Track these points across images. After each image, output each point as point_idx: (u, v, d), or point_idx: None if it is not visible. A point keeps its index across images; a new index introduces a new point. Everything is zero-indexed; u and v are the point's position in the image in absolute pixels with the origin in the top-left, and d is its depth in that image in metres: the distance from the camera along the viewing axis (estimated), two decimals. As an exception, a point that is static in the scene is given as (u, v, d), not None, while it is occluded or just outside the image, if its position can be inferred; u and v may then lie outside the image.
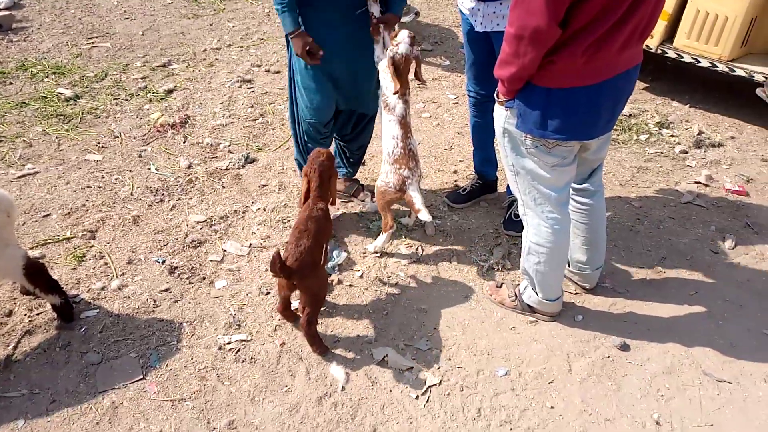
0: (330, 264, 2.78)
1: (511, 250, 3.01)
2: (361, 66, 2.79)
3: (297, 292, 2.39)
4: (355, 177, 3.35)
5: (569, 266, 2.70)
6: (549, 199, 2.27)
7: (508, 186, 3.28)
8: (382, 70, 2.70)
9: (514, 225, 3.10)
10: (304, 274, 2.26)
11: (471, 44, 2.92)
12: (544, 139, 2.09)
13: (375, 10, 2.64)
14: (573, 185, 2.44)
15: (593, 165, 2.42)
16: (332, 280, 2.75)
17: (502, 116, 2.18)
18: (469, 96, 3.15)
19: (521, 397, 2.27)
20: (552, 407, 2.23)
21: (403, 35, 2.66)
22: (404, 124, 2.68)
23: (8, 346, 2.35)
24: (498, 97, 2.16)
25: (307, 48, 2.57)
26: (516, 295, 2.62)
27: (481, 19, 2.72)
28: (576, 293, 2.75)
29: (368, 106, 2.99)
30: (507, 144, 2.22)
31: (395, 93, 2.63)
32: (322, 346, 2.38)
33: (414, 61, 2.69)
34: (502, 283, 2.73)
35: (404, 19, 5.03)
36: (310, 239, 2.28)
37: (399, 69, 2.63)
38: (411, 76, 2.76)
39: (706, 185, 3.60)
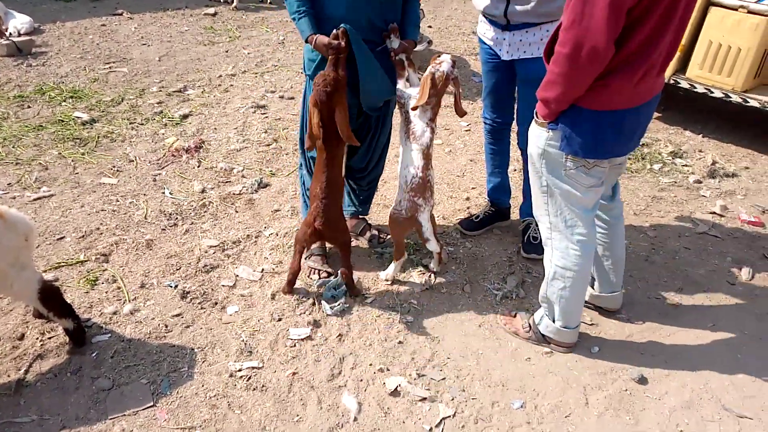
0: (329, 309, 2.72)
1: (525, 278, 2.99)
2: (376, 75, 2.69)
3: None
4: (363, 216, 3.30)
5: (594, 290, 2.70)
6: (582, 220, 2.28)
7: (521, 208, 3.28)
8: (409, 98, 2.69)
9: (535, 248, 3.11)
10: (334, 232, 2.67)
11: (490, 73, 2.94)
12: (585, 160, 2.12)
13: (395, 44, 2.65)
14: (603, 204, 2.47)
15: (617, 177, 2.47)
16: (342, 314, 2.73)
17: (542, 137, 2.17)
18: (485, 123, 3.16)
19: (537, 431, 2.22)
20: (569, 442, 2.19)
21: (446, 57, 2.66)
22: (427, 154, 2.68)
23: (19, 370, 2.34)
24: (538, 118, 2.17)
25: (331, 44, 2.48)
26: (530, 326, 2.59)
27: (507, 47, 2.75)
28: (592, 324, 2.71)
29: (380, 98, 2.81)
30: (544, 166, 2.22)
31: (414, 108, 2.61)
32: (357, 289, 2.80)
33: (453, 84, 2.66)
34: (516, 313, 2.70)
35: (417, 48, 5.07)
36: (329, 198, 2.60)
37: (436, 87, 2.62)
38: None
39: (722, 215, 3.57)
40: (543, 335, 2.54)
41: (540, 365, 2.50)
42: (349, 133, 2.55)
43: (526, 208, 3.23)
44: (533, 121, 2.22)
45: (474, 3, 2.85)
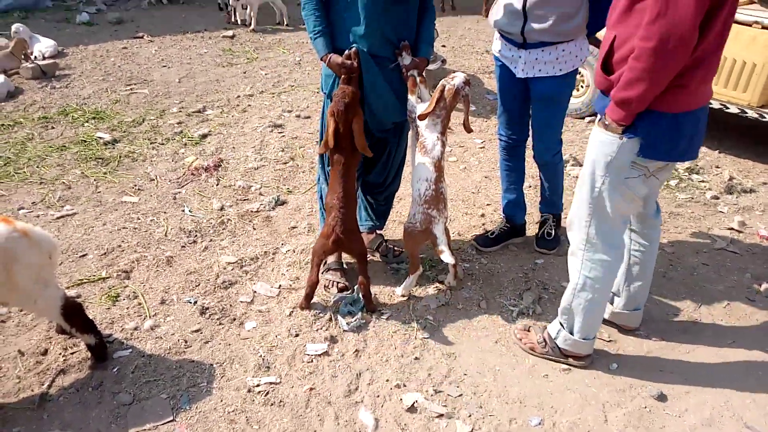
0: (346, 325, 2.74)
1: (542, 294, 2.98)
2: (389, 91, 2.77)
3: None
4: (380, 232, 3.33)
5: (615, 308, 2.70)
6: (620, 230, 2.33)
7: (540, 205, 3.36)
8: (418, 115, 2.74)
9: (546, 243, 3.26)
10: (351, 242, 2.71)
11: (505, 90, 2.98)
12: (646, 168, 2.15)
13: (407, 60, 2.71)
14: (648, 220, 2.51)
15: (660, 188, 2.51)
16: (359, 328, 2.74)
17: (613, 145, 2.13)
18: (500, 140, 3.19)
19: (555, 448, 2.20)
20: (587, 459, 2.17)
21: (460, 74, 2.72)
22: (439, 167, 2.72)
23: (43, 384, 2.38)
24: (608, 124, 2.12)
25: (344, 64, 2.59)
26: (545, 340, 2.59)
27: (522, 65, 2.80)
28: (610, 341, 2.70)
29: (397, 114, 2.86)
30: (608, 174, 2.18)
31: (421, 117, 2.66)
32: (373, 304, 2.82)
33: (463, 101, 2.71)
34: (530, 327, 2.70)
35: (431, 67, 5.14)
36: (346, 209, 2.66)
37: (445, 100, 2.67)
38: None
39: (740, 231, 3.55)
40: (560, 349, 2.53)
41: (558, 382, 2.49)
42: (364, 143, 2.63)
43: (545, 207, 3.34)
44: (598, 128, 2.17)
45: (490, 21, 2.90)
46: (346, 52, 2.60)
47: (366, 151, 2.65)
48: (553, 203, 3.33)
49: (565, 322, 2.50)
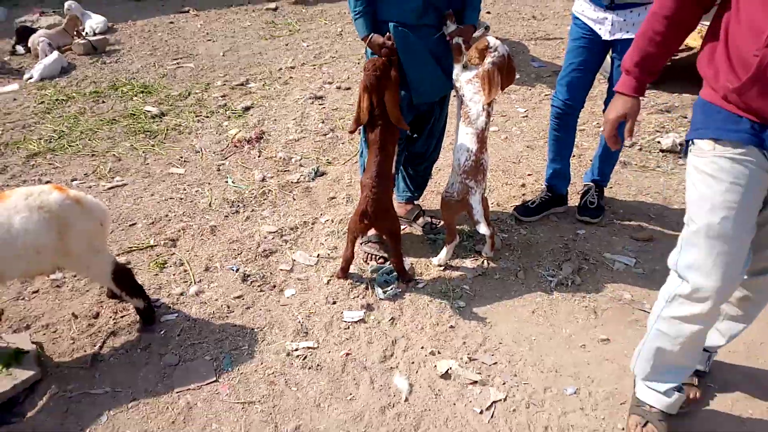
0: (382, 293, 2.77)
1: (582, 265, 2.93)
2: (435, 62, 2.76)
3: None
4: (417, 202, 3.33)
5: None
6: None
7: (589, 172, 3.35)
8: (464, 82, 2.70)
9: (590, 212, 3.22)
10: (383, 222, 2.68)
11: (580, 50, 2.92)
12: None
13: (451, 28, 2.66)
14: None
15: None
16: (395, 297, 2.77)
17: None
18: (554, 107, 3.11)
19: (591, 418, 2.19)
20: (623, 429, 2.15)
21: (493, 41, 2.66)
22: (482, 137, 2.68)
23: (95, 345, 2.51)
24: None
25: (384, 44, 2.62)
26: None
27: (609, 27, 2.76)
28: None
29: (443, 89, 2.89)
30: None
31: (488, 103, 2.63)
32: (408, 275, 2.83)
33: (507, 61, 2.66)
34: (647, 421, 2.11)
35: (475, 34, 5.03)
36: (378, 188, 2.61)
37: (503, 73, 2.63)
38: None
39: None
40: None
41: (596, 353, 2.46)
42: (398, 115, 2.60)
43: (593, 174, 3.31)
44: None
45: None
46: (387, 33, 2.60)
47: (401, 125, 2.63)
48: (603, 172, 3.26)
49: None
